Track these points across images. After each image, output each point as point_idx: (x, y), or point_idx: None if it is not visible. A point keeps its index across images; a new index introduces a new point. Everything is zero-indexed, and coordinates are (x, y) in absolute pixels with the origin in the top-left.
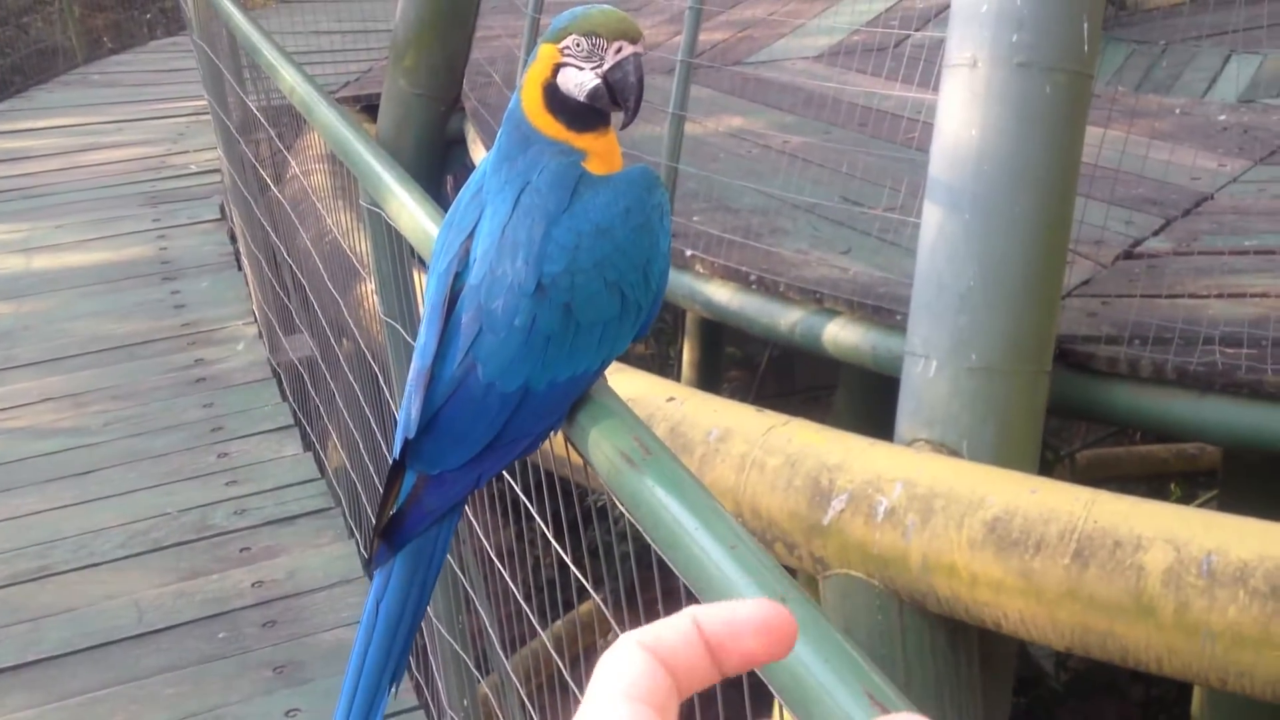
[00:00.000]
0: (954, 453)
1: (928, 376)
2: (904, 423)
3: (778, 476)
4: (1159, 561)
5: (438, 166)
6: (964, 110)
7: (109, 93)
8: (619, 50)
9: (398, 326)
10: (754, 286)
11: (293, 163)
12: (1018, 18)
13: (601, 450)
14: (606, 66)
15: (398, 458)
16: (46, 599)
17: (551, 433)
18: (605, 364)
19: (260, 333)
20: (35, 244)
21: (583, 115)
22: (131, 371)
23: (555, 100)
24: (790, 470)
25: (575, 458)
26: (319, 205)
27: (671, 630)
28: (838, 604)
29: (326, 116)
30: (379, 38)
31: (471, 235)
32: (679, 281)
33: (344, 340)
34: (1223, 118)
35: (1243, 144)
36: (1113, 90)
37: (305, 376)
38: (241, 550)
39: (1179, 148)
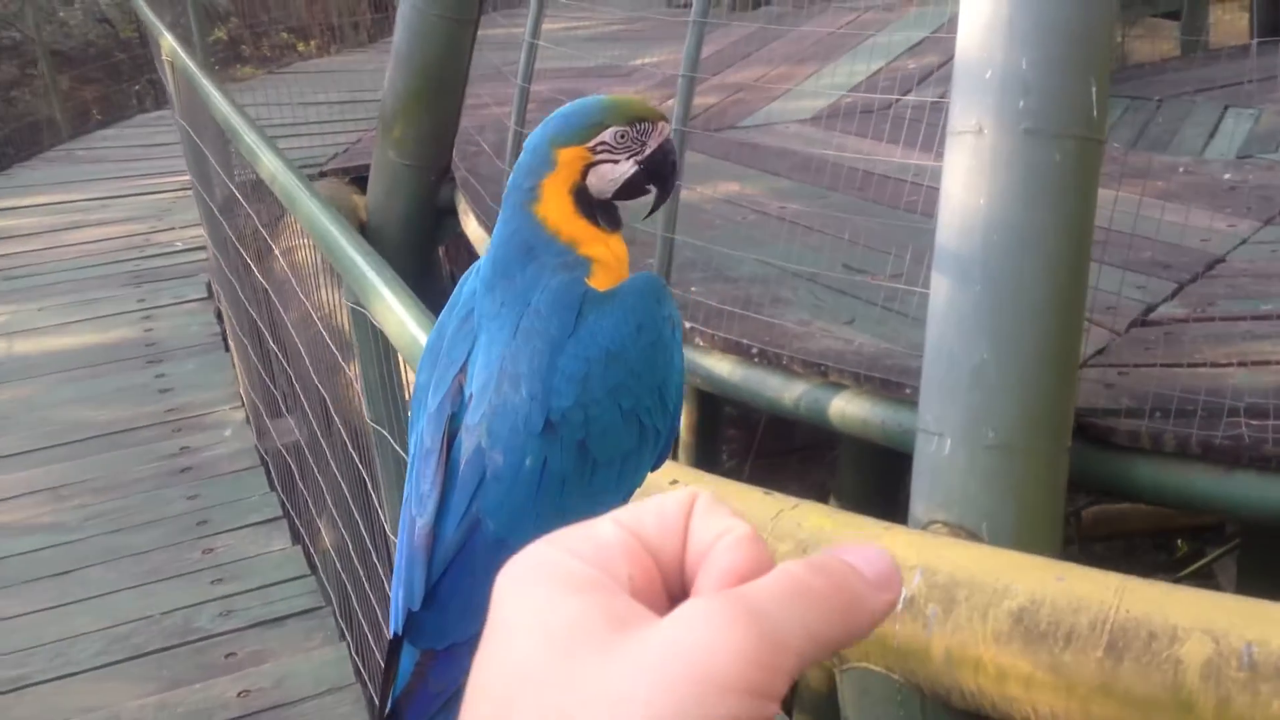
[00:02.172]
0: (973, 535)
1: (942, 455)
2: (919, 504)
3: None
4: (1197, 654)
5: (429, 237)
6: (971, 178)
7: (93, 169)
8: (661, 131)
9: (385, 433)
10: (756, 359)
11: (277, 242)
12: (1023, 82)
13: None
14: (648, 152)
15: (399, 631)
16: (23, 712)
17: None
18: (625, 502)
19: (248, 417)
20: (16, 327)
21: (607, 214)
22: (113, 462)
23: (584, 205)
24: (802, 557)
25: None
26: (300, 287)
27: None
28: (856, 699)
29: (309, 208)
30: (367, 108)
31: (464, 368)
32: None
33: (331, 428)
34: (1228, 176)
35: (1250, 203)
36: (1110, 148)
37: (293, 464)
38: (227, 656)
39: (1185, 208)
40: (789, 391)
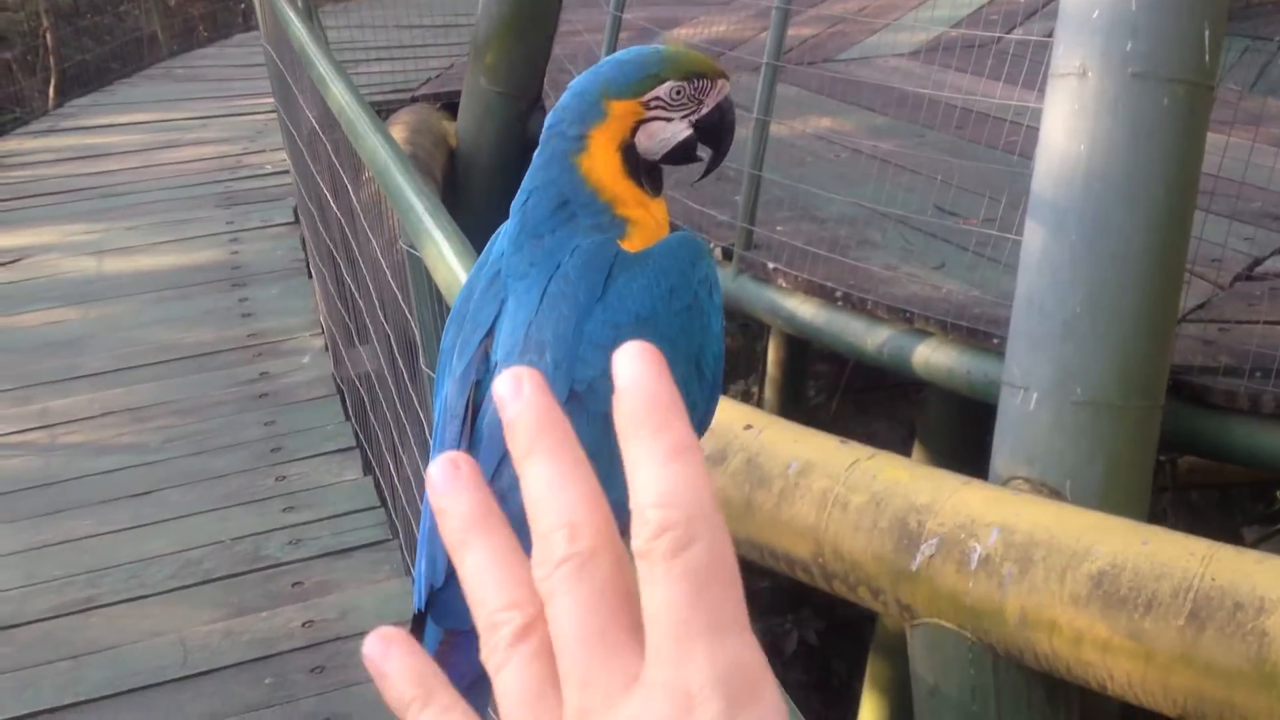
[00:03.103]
0: (1056, 494)
1: (1027, 410)
2: (1000, 459)
3: (862, 516)
4: None
5: (518, 166)
6: (1072, 123)
7: (191, 88)
8: (720, 90)
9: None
10: (840, 303)
11: (356, 173)
12: (1132, 24)
13: None
14: (704, 112)
15: (421, 608)
16: (91, 634)
17: None
18: None
19: (326, 345)
20: (108, 246)
21: (652, 177)
22: (196, 385)
23: (630, 163)
24: (875, 510)
25: None
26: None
27: None
28: (926, 655)
29: (372, 143)
30: (461, 33)
31: (491, 332)
32: (761, 295)
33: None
34: None
35: None
36: (1225, 90)
37: (364, 396)
38: (294, 585)
39: None
40: (872, 337)
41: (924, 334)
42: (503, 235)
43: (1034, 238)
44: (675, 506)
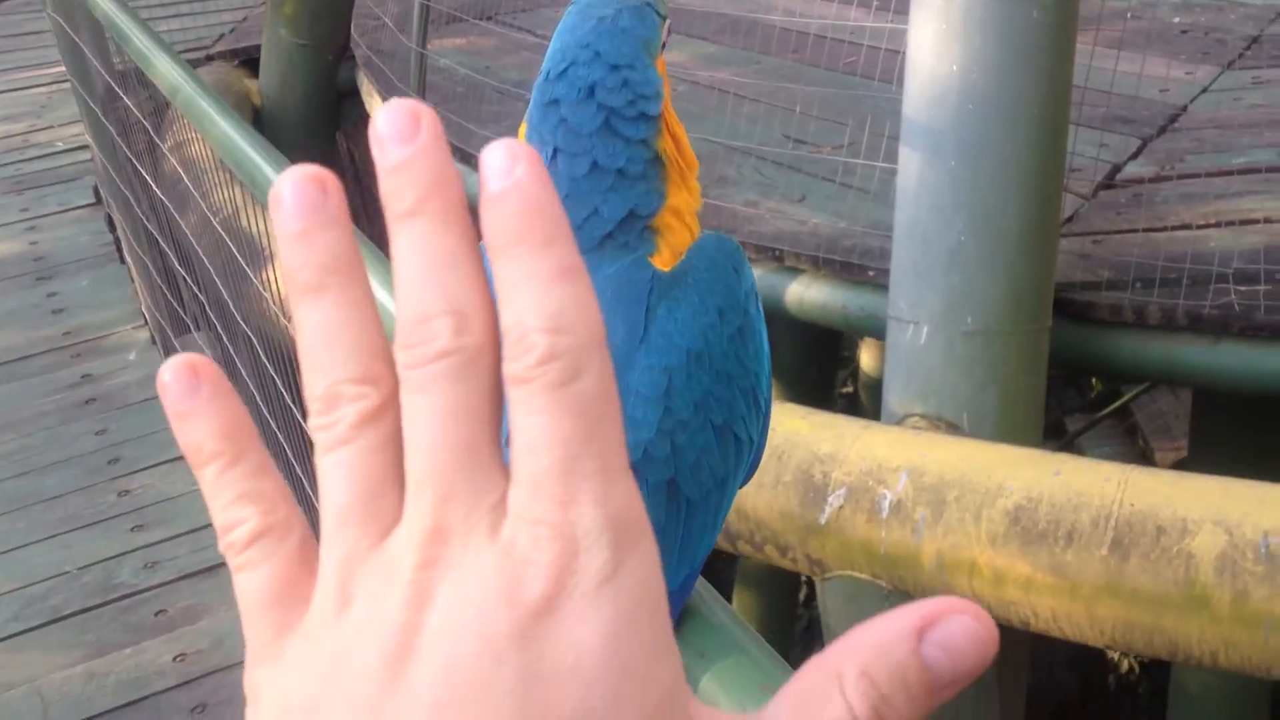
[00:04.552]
0: (953, 426)
1: (918, 344)
2: (893, 396)
3: (764, 472)
4: (1210, 547)
5: (328, 123)
6: (940, 43)
7: None
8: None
9: None
10: None
11: (165, 137)
12: None
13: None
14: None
15: None
16: None
17: None
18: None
19: (153, 338)
20: None
21: None
22: (10, 396)
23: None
24: (778, 464)
25: None
26: (195, 186)
27: None
28: (841, 608)
29: (221, 129)
30: None
31: None
32: None
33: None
34: (1176, 20)
35: (1206, 47)
36: None
37: None
38: (157, 614)
39: (1139, 57)
40: None
41: (795, 271)
42: None
43: (910, 165)
44: (565, 332)
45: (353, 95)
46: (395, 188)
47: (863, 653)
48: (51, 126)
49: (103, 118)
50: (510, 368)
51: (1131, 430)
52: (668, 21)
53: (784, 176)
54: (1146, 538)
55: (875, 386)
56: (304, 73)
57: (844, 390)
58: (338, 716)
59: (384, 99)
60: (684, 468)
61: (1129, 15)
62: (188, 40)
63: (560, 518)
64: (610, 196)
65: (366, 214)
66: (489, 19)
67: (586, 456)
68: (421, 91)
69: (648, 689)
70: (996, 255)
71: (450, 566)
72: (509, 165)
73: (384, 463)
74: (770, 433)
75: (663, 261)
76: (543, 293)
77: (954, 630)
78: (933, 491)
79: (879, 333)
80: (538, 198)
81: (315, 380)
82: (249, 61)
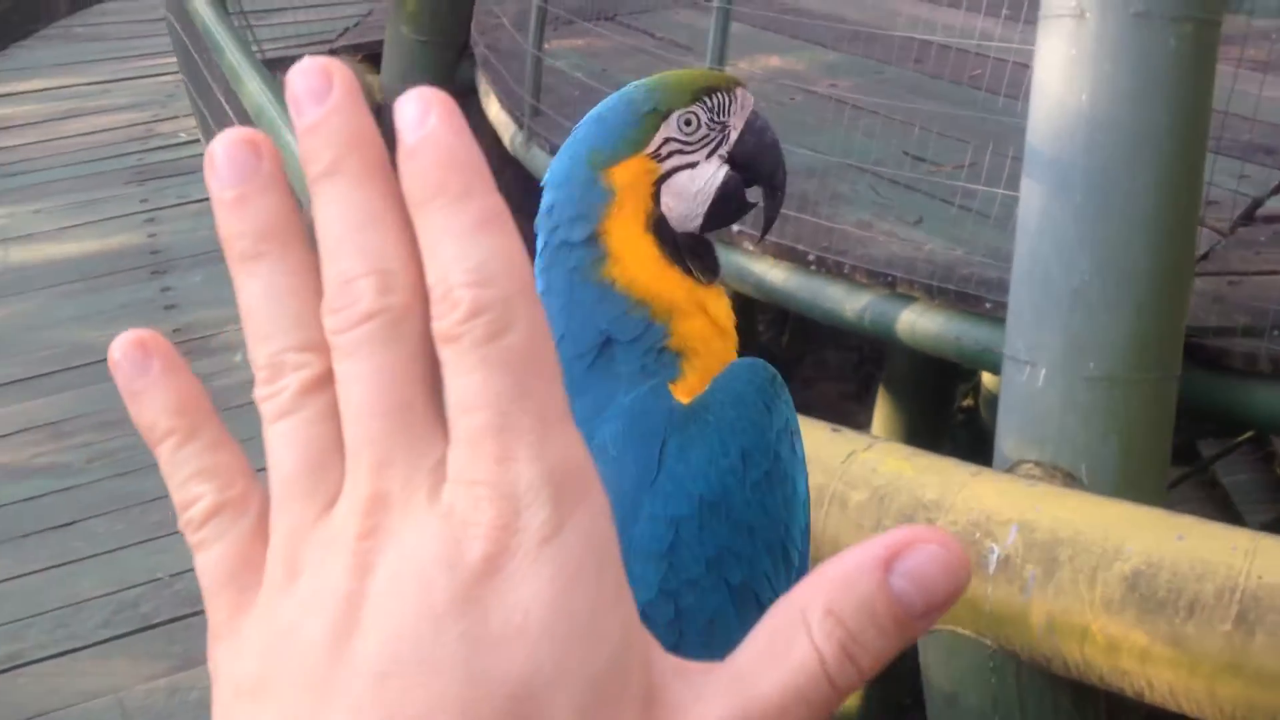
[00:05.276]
0: (1070, 476)
1: (1035, 387)
2: (1008, 441)
3: (863, 515)
4: None
5: None
6: (1070, 70)
7: (93, 48)
8: (743, 102)
9: None
10: (814, 267)
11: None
12: None
13: None
14: (734, 135)
15: None
16: (19, 697)
17: None
18: None
19: None
20: (13, 233)
21: (700, 254)
22: (115, 392)
23: (667, 244)
24: (879, 508)
25: None
26: None
27: None
28: (942, 664)
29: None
30: None
31: None
32: (727, 261)
33: None
34: None
35: None
36: None
37: None
38: None
39: None
40: (852, 303)
41: (908, 299)
42: None
43: (1033, 197)
44: (489, 284)
45: (472, 93)
46: (311, 148)
47: (828, 588)
48: (176, 117)
49: (225, 105)
50: (438, 325)
51: (1268, 458)
52: (678, 114)
53: (901, 196)
54: (1275, 613)
55: (996, 403)
56: (425, 69)
57: (964, 404)
58: (286, 691)
59: (500, 101)
60: (690, 631)
61: (1276, 36)
62: (312, 34)
63: (498, 476)
64: (584, 326)
65: None
66: (609, 19)
67: (521, 412)
68: (536, 94)
69: (598, 646)
70: (1123, 296)
71: (391, 533)
72: (421, 116)
73: (328, 432)
74: (871, 474)
75: (688, 388)
76: (464, 246)
77: (922, 559)
78: (1044, 549)
79: (994, 368)
80: (452, 148)
81: (258, 349)
82: (372, 56)
